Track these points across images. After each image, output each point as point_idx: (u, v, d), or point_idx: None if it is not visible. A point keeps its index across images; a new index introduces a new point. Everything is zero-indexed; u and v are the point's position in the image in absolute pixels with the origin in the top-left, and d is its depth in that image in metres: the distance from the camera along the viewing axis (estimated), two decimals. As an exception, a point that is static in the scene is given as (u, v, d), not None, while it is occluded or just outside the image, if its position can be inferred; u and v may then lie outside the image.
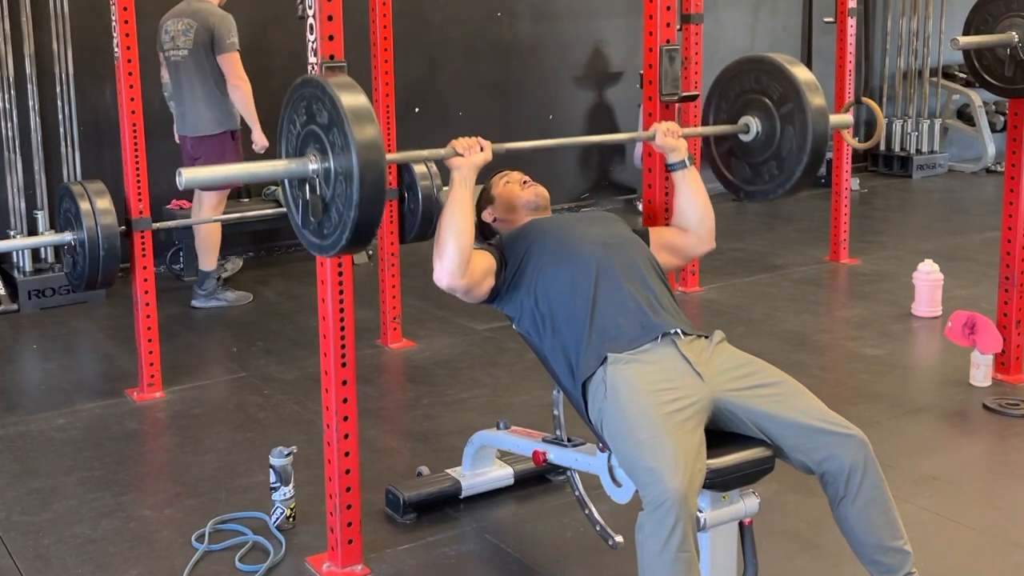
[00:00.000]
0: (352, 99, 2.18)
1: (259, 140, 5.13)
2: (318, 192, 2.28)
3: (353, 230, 2.20)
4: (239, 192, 5.97)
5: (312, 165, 2.28)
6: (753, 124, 2.90)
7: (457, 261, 2.48)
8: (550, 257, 2.61)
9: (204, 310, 5.26)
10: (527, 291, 2.61)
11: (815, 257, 6.03)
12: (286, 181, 2.41)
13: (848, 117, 3.22)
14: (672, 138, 2.80)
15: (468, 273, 2.51)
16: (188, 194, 5.75)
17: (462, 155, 2.53)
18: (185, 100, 5.10)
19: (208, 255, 5.28)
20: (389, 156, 2.31)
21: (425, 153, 2.58)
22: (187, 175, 2.23)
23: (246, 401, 4.06)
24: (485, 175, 2.95)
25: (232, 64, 4.99)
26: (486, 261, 2.61)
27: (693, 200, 2.82)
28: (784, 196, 2.90)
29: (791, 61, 2.85)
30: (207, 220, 5.40)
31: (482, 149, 2.55)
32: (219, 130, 5.10)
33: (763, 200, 3.00)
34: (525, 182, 2.89)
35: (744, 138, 2.92)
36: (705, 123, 3.04)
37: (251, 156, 5.16)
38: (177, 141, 5.31)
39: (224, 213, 5.57)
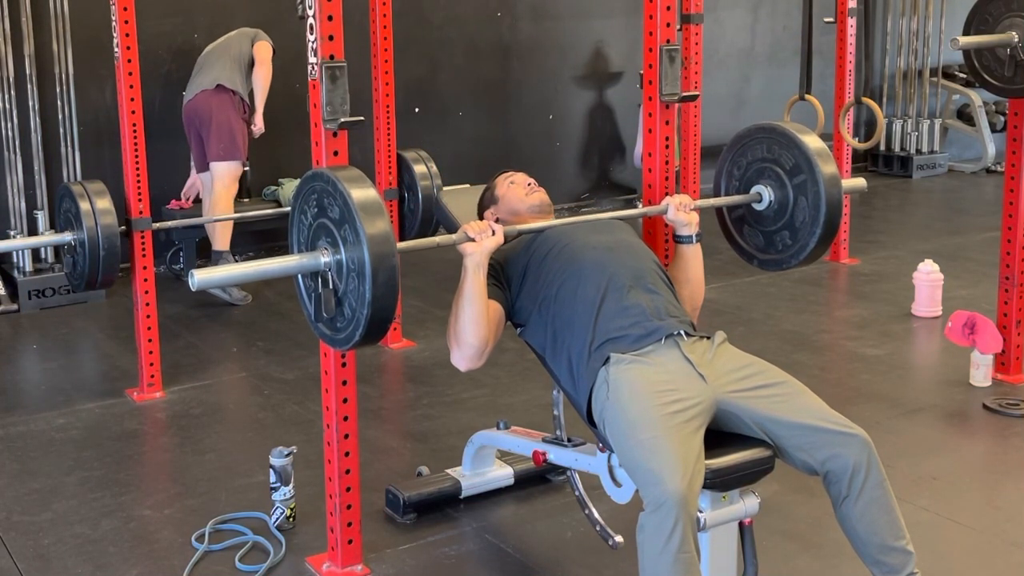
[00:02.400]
0: (362, 194, 2.22)
1: (259, 123, 5.39)
2: (331, 286, 2.31)
3: (367, 327, 2.22)
4: (239, 192, 5.96)
5: (324, 259, 2.31)
6: (766, 193, 2.89)
7: (477, 348, 2.52)
8: (554, 265, 2.61)
9: (204, 309, 5.25)
10: (532, 298, 2.61)
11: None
12: (299, 275, 2.43)
13: (861, 181, 3.21)
14: (684, 212, 2.78)
15: (488, 351, 2.55)
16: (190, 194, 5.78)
17: (474, 239, 2.52)
18: (205, 68, 5.40)
19: (221, 235, 5.35)
20: (400, 246, 2.32)
21: (437, 240, 2.57)
22: (200, 276, 2.23)
23: (246, 401, 4.06)
24: (490, 174, 2.96)
25: (264, 50, 5.38)
26: (497, 312, 2.60)
27: (689, 278, 2.81)
28: (798, 265, 2.89)
29: (802, 130, 2.84)
30: (208, 220, 5.40)
31: (494, 233, 2.54)
32: (231, 87, 5.32)
33: (776, 270, 3.00)
34: (529, 185, 2.89)
35: (757, 207, 2.91)
36: (717, 189, 3.03)
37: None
38: (184, 126, 5.44)
39: (224, 213, 5.58)
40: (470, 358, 2.53)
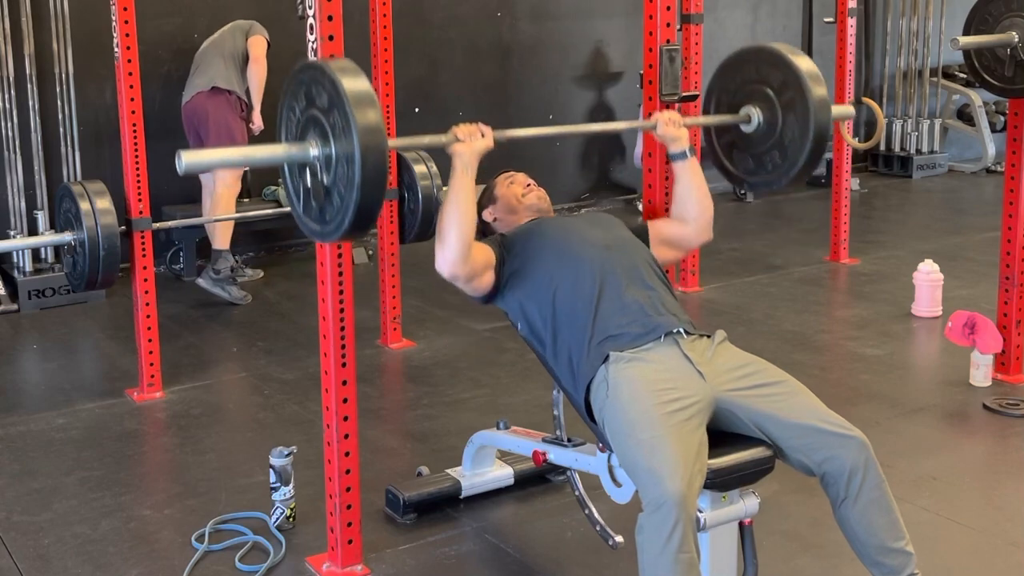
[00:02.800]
0: (353, 82, 2.17)
1: (257, 121, 5.38)
2: (319, 177, 2.27)
3: (355, 213, 2.18)
4: (239, 192, 5.96)
5: (313, 151, 2.26)
6: (755, 114, 2.88)
7: (459, 249, 2.47)
8: (551, 260, 2.61)
9: (204, 309, 5.26)
10: (528, 294, 2.60)
11: (815, 257, 6.03)
12: (286, 169, 2.40)
13: (850, 108, 3.21)
14: (673, 128, 2.78)
15: (470, 262, 2.51)
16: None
17: (463, 141, 2.53)
18: (201, 67, 5.40)
19: (222, 234, 5.35)
20: (390, 142, 2.29)
21: (426, 139, 2.57)
22: (187, 158, 2.21)
23: (246, 401, 4.06)
24: (490, 172, 2.96)
25: (257, 46, 5.34)
26: (486, 254, 2.60)
27: (692, 191, 2.80)
28: (787, 185, 2.89)
29: (792, 50, 2.84)
30: (208, 220, 5.40)
31: (483, 136, 2.55)
32: (227, 87, 5.33)
33: (767, 190, 3.00)
34: (528, 185, 2.89)
35: (746, 128, 2.91)
36: (706, 115, 3.03)
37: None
38: (184, 124, 5.45)
39: (224, 213, 5.58)
40: (452, 261, 2.48)
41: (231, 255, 5.40)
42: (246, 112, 5.43)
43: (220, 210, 5.28)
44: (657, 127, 2.80)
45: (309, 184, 2.30)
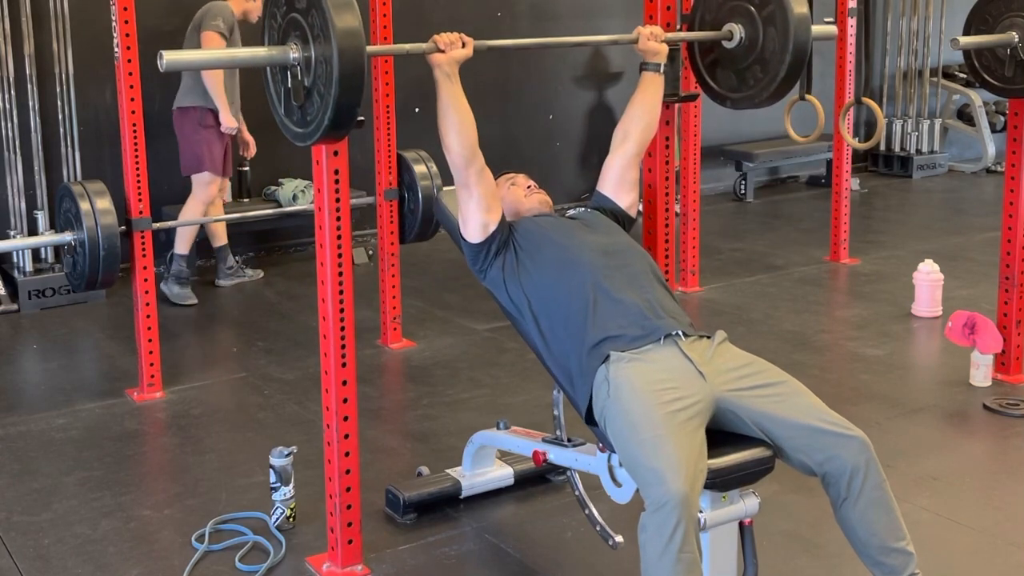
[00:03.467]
0: None
1: (226, 122, 5.25)
2: (299, 79, 2.34)
3: (335, 110, 2.25)
4: (239, 192, 5.96)
5: (293, 53, 2.33)
6: (736, 30, 2.98)
7: (463, 156, 2.60)
8: (549, 261, 2.61)
9: (204, 309, 5.26)
10: (524, 290, 2.60)
11: (815, 257, 6.03)
12: (268, 72, 2.46)
13: (832, 28, 3.27)
14: (655, 41, 2.90)
15: (478, 159, 2.61)
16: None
17: (443, 51, 2.60)
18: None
19: (181, 238, 5.41)
20: (370, 48, 2.36)
21: (407, 47, 2.66)
22: (168, 57, 2.27)
23: (246, 401, 4.06)
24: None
25: (208, 42, 5.10)
26: (496, 197, 2.69)
27: (647, 99, 2.91)
28: (769, 99, 2.98)
29: None
30: (211, 220, 5.40)
31: (464, 45, 2.59)
32: (189, 104, 5.26)
33: (749, 107, 3.07)
34: (530, 187, 2.89)
35: (728, 45, 3.00)
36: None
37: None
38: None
39: (224, 213, 5.58)
40: (464, 157, 2.61)
41: (184, 264, 5.43)
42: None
43: (184, 217, 5.31)
44: (639, 40, 2.90)
45: (290, 85, 2.36)
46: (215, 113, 5.25)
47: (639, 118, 2.89)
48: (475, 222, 2.65)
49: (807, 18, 2.87)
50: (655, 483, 2.14)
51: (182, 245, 5.41)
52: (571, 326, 2.52)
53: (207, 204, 5.37)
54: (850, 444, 2.30)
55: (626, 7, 7.32)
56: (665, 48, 2.91)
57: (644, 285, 2.59)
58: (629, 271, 2.61)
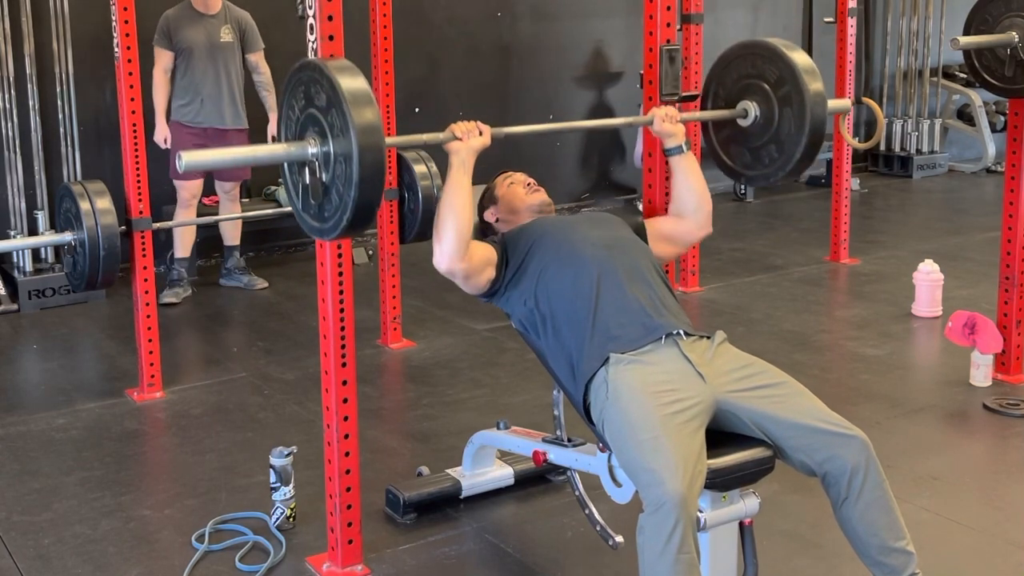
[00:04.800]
0: (351, 81, 2.20)
1: (158, 134, 5.22)
2: (318, 175, 2.29)
3: (354, 210, 2.20)
4: (239, 192, 5.96)
5: (311, 148, 2.29)
6: (751, 109, 2.91)
7: (456, 243, 2.49)
8: (552, 259, 2.61)
9: (204, 309, 5.26)
10: (528, 292, 2.60)
11: (815, 257, 6.03)
12: (286, 166, 2.42)
13: (846, 102, 3.23)
14: (670, 123, 2.80)
15: (467, 258, 2.52)
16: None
17: (460, 139, 2.54)
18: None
19: (179, 242, 5.46)
20: (388, 140, 2.33)
21: (424, 137, 2.59)
22: (187, 158, 2.23)
23: (246, 401, 4.06)
24: (489, 175, 2.96)
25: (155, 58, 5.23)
26: (487, 252, 2.61)
27: (690, 186, 2.81)
28: (785, 178, 2.91)
29: (788, 45, 2.87)
30: (208, 220, 5.40)
31: (481, 133, 2.56)
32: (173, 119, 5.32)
33: (764, 184, 3.01)
34: (529, 184, 2.89)
35: (743, 123, 2.93)
36: (703, 110, 3.05)
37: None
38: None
39: (224, 213, 5.58)
40: (450, 255, 2.49)
41: (184, 268, 5.48)
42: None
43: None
44: (654, 123, 2.82)
45: (308, 181, 2.32)
46: (180, 123, 5.26)
47: (686, 200, 2.78)
48: (476, 286, 2.62)
49: (823, 96, 2.79)
50: (653, 484, 2.13)
51: (178, 249, 5.45)
52: (574, 324, 2.51)
53: (183, 209, 5.37)
54: (850, 444, 2.30)
55: (626, 7, 7.32)
56: (682, 128, 2.81)
57: (647, 280, 2.59)
58: (631, 266, 2.60)
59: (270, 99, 5.42)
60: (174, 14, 5.24)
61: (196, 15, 5.22)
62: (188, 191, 5.35)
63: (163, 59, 5.22)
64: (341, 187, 2.22)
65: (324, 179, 2.27)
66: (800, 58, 2.82)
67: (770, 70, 2.85)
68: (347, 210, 2.21)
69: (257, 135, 5.56)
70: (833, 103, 2.91)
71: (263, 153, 2.40)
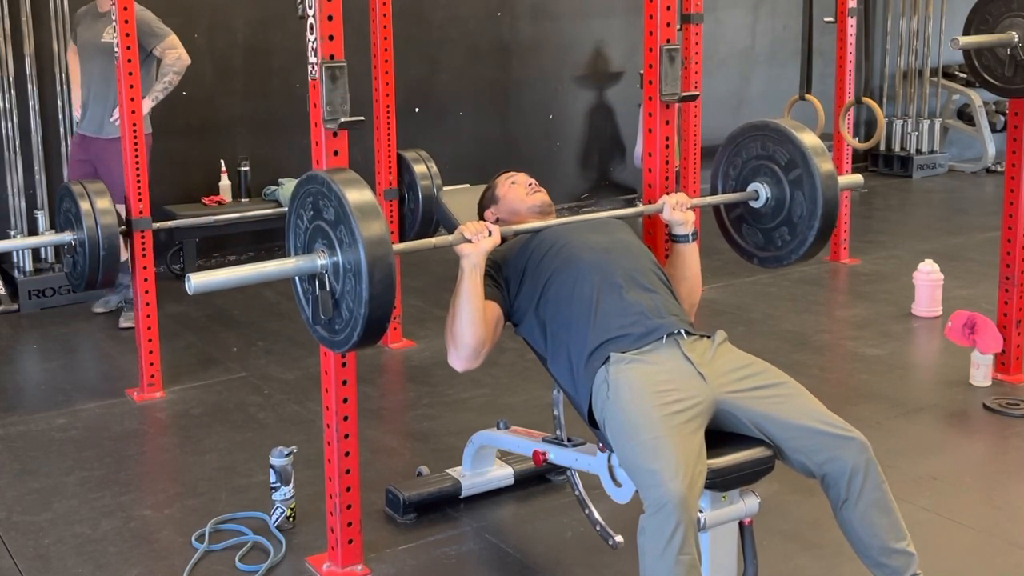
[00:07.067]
0: (358, 196, 2.22)
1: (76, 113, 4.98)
2: (328, 287, 2.32)
3: (365, 327, 2.23)
4: (239, 192, 5.96)
5: (320, 260, 2.32)
6: (763, 190, 2.90)
7: (473, 348, 2.52)
8: (552, 265, 2.61)
9: (204, 309, 5.26)
10: (529, 299, 2.61)
11: (815, 257, 6.02)
12: (296, 278, 2.44)
13: (859, 178, 3.23)
14: (681, 211, 2.78)
15: (485, 350, 2.55)
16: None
17: (471, 240, 2.52)
18: None
19: None
20: (397, 247, 2.33)
21: (434, 241, 2.57)
22: (196, 280, 2.26)
23: (246, 401, 4.06)
24: (488, 174, 2.96)
25: None
26: (494, 312, 2.61)
27: (686, 276, 2.82)
28: (798, 262, 2.90)
29: (797, 127, 2.85)
30: (209, 221, 5.40)
31: (490, 234, 2.54)
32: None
33: (776, 266, 3.01)
34: (530, 185, 2.89)
35: (754, 204, 2.92)
36: (714, 190, 3.04)
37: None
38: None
39: (224, 213, 5.59)
40: (467, 358, 2.53)
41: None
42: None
43: None
44: (664, 211, 2.79)
45: (319, 296, 2.33)
46: (82, 135, 4.96)
47: (678, 287, 2.76)
48: (497, 340, 2.63)
49: (835, 177, 2.78)
50: (653, 485, 2.14)
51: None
52: (575, 328, 2.52)
53: None
54: (849, 445, 2.30)
55: (625, 7, 7.32)
56: (692, 216, 2.79)
57: (647, 283, 2.59)
58: (631, 269, 2.61)
59: (159, 83, 4.81)
60: (83, 11, 4.97)
61: (95, 14, 4.86)
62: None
63: (71, 46, 5.04)
64: (351, 303, 2.25)
65: (335, 292, 2.30)
66: (810, 140, 2.80)
67: (780, 152, 2.84)
68: (358, 325, 2.24)
69: (259, 134, 5.56)
70: (844, 180, 2.90)
71: (273, 269, 2.41)
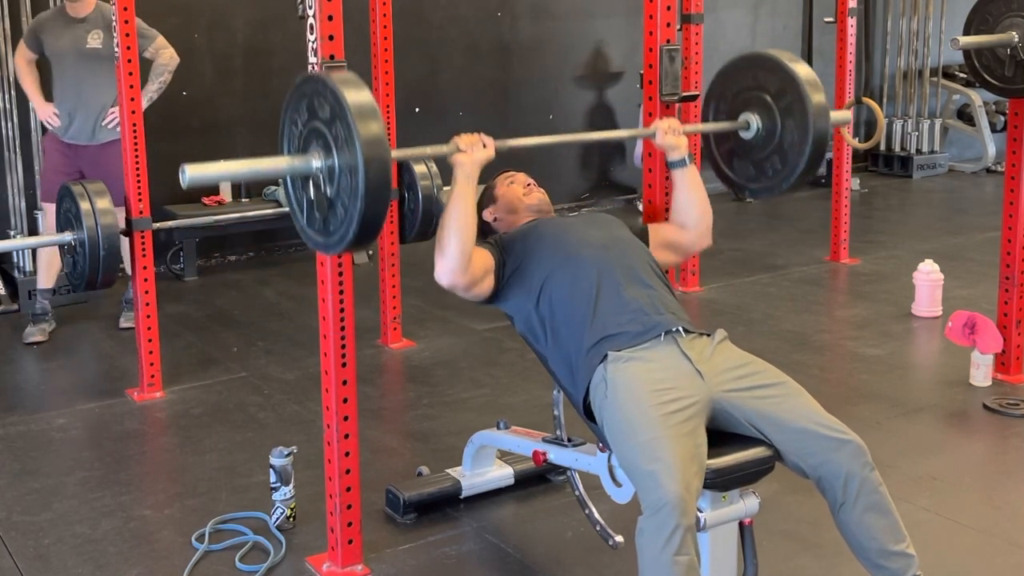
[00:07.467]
0: (356, 94, 2.17)
1: (43, 112, 4.81)
2: (322, 189, 2.27)
3: (360, 224, 2.18)
4: (239, 192, 5.96)
5: (316, 162, 2.26)
6: (753, 121, 2.89)
7: (459, 259, 2.48)
8: (550, 260, 2.61)
9: (204, 309, 5.26)
10: (527, 294, 2.61)
11: (815, 257, 6.03)
12: (289, 181, 2.40)
13: (847, 113, 3.23)
14: (673, 136, 2.79)
15: (470, 271, 2.51)
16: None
17: (465, 152, 2.53)
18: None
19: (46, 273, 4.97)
20: (392, 153, 2.30)
21: (428, 150, 2.57)
22: (190, 172, 2.21)
23: (246, 401, 4.06)
24: (489, 174, 2.96)
25: None
26: (486, 260, 2.61)
27: (692, 198, 2.81)
28: (788, 191, 2.90)
29: (790, 57, 2.85)
30: (211, 221, 5.40)
31: (485, 146, 2.55)
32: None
33: (768, 196, 2.99)
34: (528, 185, 2.89)
35: (745, 135, 2.92)
36: (705, 122, 3.04)
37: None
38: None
39: (224, 213, 5.59)
40: (452, 270, 2.49)
41: (46, 293, 4.95)
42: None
43: (40, 255, 4.94)
44: (656, 136, 2.81)
45: (312, 196, 2.30)
46: (54, 136, 4.85)
47: (688, 212, 2.78)
48: (477, 295, 2.61)
49: (826, 108, 2.78)
50: (652, 486, 2.14)
51: (42, 279, 4.95)
52: (573, 324, 2.51)
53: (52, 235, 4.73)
54: (844, 448, 2.29)
55: (626, 7, 7.32)
56: (685, 141, 2.80)
57: (645, 280, 2.59)
58: (629, 265, 2.61)
59: (153, 84, 4.78)
60: (45, 18, 4.82)
61: (66, 20, 4.73)
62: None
63: (25, 53, 4.80)
64: (347, 200, 2.20)
65: (329, 193, 2.26)
66: (802, 69, 2.81)
67: (771, 81, 2.84)
68: (352, 224, 2.19)
69: (259, 135, 5.56)
70: (835, 114, 2.90)
71: (266, 166, 2.39)
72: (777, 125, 2.84)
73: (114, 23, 4.15)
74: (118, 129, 4.58)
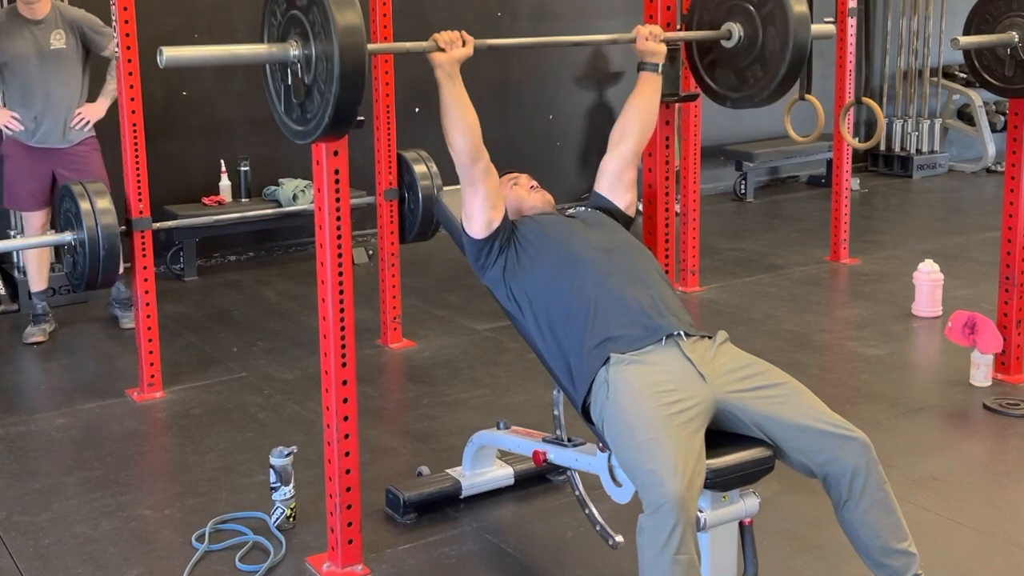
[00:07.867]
0: None
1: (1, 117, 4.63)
2: (300, 76, 2.35)
3: (335, 107, 2.26)
4: (239, 192, 5.96)
5: (293, 51, 2.35)
6: (735, 29, 2.98)
7: (467, 154, 2.59)
8: (550, 260, 2.61)
9: (204, 309, 5.26)
10: (527, 288, 2.61)
11: (815, 257, 6.03)
12: (268, 70, 2.48)
13: (831, 27, 3.28)
14: (653, 41, 2.88)
15: (479, 144, 2.61)
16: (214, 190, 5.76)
17: (444, 49, 2.60)
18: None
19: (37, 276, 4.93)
20: (370, 47, 2.38)
21: (408, 45, 2.68)
22: (168, 53, 2.26)
23: (246, 401, 4.06)
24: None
25: None
26: (500, 199, 2.67)
27: (647, 103, 2.89)
28: (769, 99, 2.97)
29: None
30: (211, 221, 5.39)
31: (464, 44, 2.59)
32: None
33: (749, 106, 3.07)
34: (532, 187, 2.89)
35: (727, 44, 3.00)
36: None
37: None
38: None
39: (224, 213, 5.59)
40: (469, 155, 2.61)
41: (41, 295, 4.92)
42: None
43: (27, 256, 4.92)
44: (637, 40, 2.89)
45: (291, 83, 2.37)
46: (17, 141, 4.70)
47: (637, 118, 2.88)
48: (480, 219, 2.64)
49: (806, 16, 2.87)
50: (652, 485, 2.14)
51: (34, 282, 4.93)
52: (572, 325, 2.51)
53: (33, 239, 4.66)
54: (851, 445, 2.30)
55: (626, 7, 7.32)
56: (663, 48, 2.89)
57: (647, 282, 2.59)
58: (631, 268, 2.61)
59: (112, 83, 4.57)
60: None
61: (23, 21, 4.55)
62: (38, 220, 4.79)
63: None
64: (323, 85, 2.28)
65: (306, 80, 2.34)
66: None
67: None
68: (328, 107, 2.27)
69: (259, 135, 5.56)
70: (817, 27, 2.97)
71: (245, 53, 2.48)
72: (758, 33, 2.93)
73: (75, 22, 4.13)
74: (88, 128, 4.66)
